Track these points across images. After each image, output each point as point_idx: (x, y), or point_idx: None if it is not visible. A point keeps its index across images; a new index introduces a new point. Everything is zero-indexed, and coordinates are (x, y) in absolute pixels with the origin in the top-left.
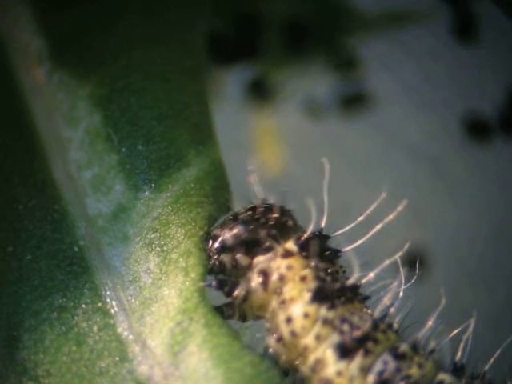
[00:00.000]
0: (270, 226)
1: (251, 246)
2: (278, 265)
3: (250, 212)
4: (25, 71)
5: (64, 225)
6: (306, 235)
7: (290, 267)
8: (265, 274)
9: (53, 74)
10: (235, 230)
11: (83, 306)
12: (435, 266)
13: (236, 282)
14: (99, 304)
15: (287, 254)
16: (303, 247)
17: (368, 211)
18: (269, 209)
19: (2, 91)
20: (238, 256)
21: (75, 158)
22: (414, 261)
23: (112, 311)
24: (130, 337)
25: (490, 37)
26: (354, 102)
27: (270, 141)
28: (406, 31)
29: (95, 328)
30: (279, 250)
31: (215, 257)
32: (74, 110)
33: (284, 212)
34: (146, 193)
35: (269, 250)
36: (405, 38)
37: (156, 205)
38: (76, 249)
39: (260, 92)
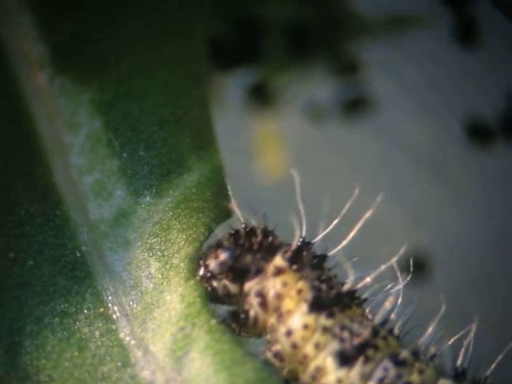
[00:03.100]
0: (255, 248)
1: (239, 273)
2: (273, 284)
3: (233, 238)
4: (26, 76)
5: (66, 230)
6: (291, 248)
7: (284, 284)
8: (262, 295)
9: (54, 79)
10: (220, 259)
11: (85, 311)
12: (437, 269)
13: (246, 310)
14: (101, 309)
15: (278, 272)
16: (292, 261)
17: (344, 211)
18: (251, 232)
19: (3, 96)
20: (227, 283)
21: (76, 163)
22: (415, 264)
23: (114, 316)
24: (132, 342)
25: (491, 40)
26: (355, 106)
27: (271, 145)
28: (407, 35)
29: (97, 333)
30: (269, 269)
31: (207, 284)
32: (75, 116)
33: (266, 232)
34: (147, 198)
35: (259, 272)
36: (406, 42)
37: (157, 210)
38: (78, 254)
39: (261, 96)
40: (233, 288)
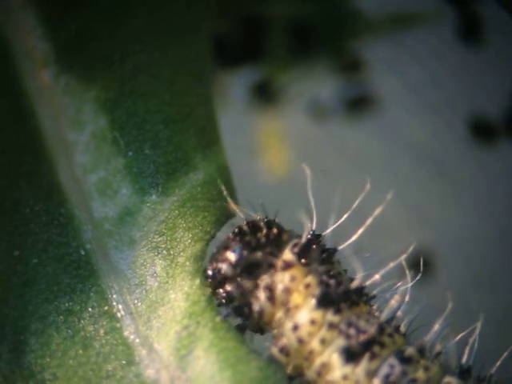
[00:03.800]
0: (263, 243)
1: (252, 269)
2: (281, 278)
3: (239, 236)
4: (31, 75)
5: (70, 228)
6: (300, 242)
7: (293, 278)
8: (270, 289)
9: (59, 77)
10: (232, 259)
11: (90, 309)
12: (440, 267)
13: (249, 303)
14: (106, 307)
15: (287, 266)
16: (301, 255)
17: (352, 207)
18: (256, 226)
19: (7, 94)
20: (243, 282)
21: (81, 161)
22: (419, 262)
23: (118, 315)
24: (137, 340)
25: (495, 39)
26: (358, 104)
27: (275, 143)
28: (411, 33)
29: (102, 331)
30: (278, 263)
31: (220, 289)
32: (80, 114)
33: (271, 225)
34: (153, 196)
35: (270, 266)
36: (409, 41)
37: (163, 208)
38: (82, 252)
39: (265, 94)
40: (247, 284)
